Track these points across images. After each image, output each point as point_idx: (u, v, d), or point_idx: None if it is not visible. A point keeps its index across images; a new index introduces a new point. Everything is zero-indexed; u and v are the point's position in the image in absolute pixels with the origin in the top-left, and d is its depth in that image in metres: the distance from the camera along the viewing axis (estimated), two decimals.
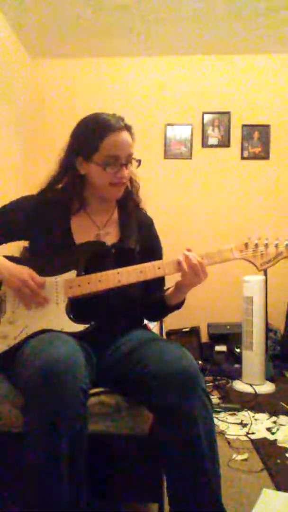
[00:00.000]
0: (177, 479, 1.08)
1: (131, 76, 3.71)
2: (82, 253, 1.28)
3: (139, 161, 1.35)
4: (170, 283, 1.37)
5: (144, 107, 3.68)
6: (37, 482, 0.99)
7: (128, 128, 1.31)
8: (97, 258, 1.28)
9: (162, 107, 3.69)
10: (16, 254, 1.42)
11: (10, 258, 1.31)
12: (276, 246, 1.25)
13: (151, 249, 1.42)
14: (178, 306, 1.37)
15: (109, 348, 1.29)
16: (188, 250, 1.25)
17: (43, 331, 1.19)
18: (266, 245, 1.25)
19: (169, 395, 1.06)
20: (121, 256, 1.32)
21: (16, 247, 1.44)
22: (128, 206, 1.44)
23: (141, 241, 1.39)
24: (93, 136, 1.28)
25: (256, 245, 1.26)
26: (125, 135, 1.29)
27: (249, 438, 1.99)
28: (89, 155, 1.29)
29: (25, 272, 1.23)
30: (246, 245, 1.26)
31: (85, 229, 1.36)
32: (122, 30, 3.30)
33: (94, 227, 1.37)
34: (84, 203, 1.38)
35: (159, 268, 1.25)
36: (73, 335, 1.17)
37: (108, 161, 1.27)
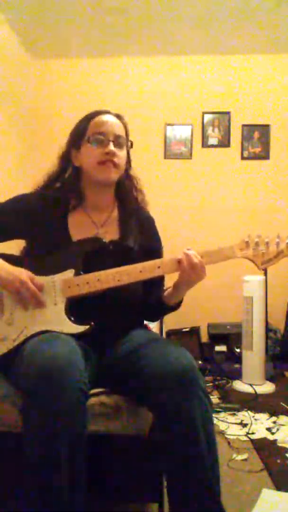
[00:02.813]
0: (176, 479, 1.08)
1: (131, 76, 3.71)
2: (79, 251, 1.27)
3: (131, 143, 1.38)
4: (169, 282, 1.37)
5: (144, 107, 3.68)
6: (37, 482, 0.99)
7: (117, 115, 1.37)
8: (95, 256, 1.27)
9: (162, 107, 3.69)
10: (17, 253, 1.41)
11: (8, 257, 1.30)
12: (277, 244, 1.23)
13: (151, 248, 1.41)
14: (176, 306, 1.37)
15: (109, 348, 1.29)
16: (188, 249, 1.24)
17: (43, 332, 1.18)
18: (267, 244, 1.24)
19: (168, 395, 1.07)
20: (120, 254, 1.32)
21: (16, 247, 1.43)
22: (129, 204, 1.43)
23: (142, 240, 1.38)
24: (82, 123, 1.35)
25: (257, 244, 1.24)
26: (111, 117, 1.35)
27: (249, 438, 1.99)
28: (79, 141, 1.34)
29: (23, 273, 1.23)
30: (246, 243, 1.24)
31: (83, 228, 1.35)
32: (122, 30, 3.30)
33: (93, 225, 1.36)
34: (81, 198, 1.38)
35: (158, 267, 1.23)
36: (73, 335, 1.16)
37: (95, 138, 1.31)
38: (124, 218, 1.40)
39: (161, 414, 1.10)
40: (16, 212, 1.36)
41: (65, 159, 1.38)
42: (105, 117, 1.34)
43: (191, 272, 1.21)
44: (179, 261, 1.22)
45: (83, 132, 1.33)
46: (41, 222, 1.33)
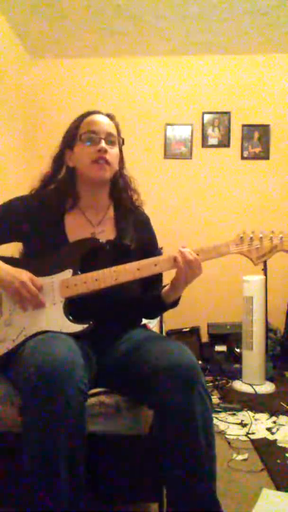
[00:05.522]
0: (174, 475, 1.08)
1: (131, 76, 3.71)
2: (76, 251, 1.27)
3: (123, 140, 1.40)
4: (167, 280, 1.37)
5: (144, 107, 3.68)
6: (37, 482, 0.99)
7: (108, 114, 1.39)
8: (92, 256, 1.27)
9: (162, 107, 3.69)
10: (16, 255, 1.42)
11: (8, 259, 1.30)
12: (271, 239, 1.25)
13: (148, 247, 1.42)
14: (174, 304, 1.37)
15: (108, 347, 1.29)
16: (183, 247, 1.24)
17: (42, 333, 1.18)
18: (261, 239, 1.25)
19: (168, 390, 1.07)
20: (116, 253, 1.32)
21: (16, 248, 1.43)
22: (124, 203, 1.44)
23: (138, 239, 1.39)
24: (74, 124, 1.37)
25: (251, 239, 1.25)
26: (102, 116, 1.38)
27: (249, 438, 1.99)
28: (72, 141, 1.36)
29: (23, 274, 1.23)
30: (241, 239, 1.26)
31: (79, 228, 1.36)
32: (122, 30, 3.30)
33: (89, 225, 1.37)
34: (76, 198, 1.38)
35: (155, 265, 1.24)
36: (72, 335, 1.16)
37: (86, 136, 1.33)
38: (120, 217, 1.41)
39: (162, 411, 1.10)
40: (11, 214, 1.37)
41: (59, 160, 1.40)
42: (96, 117, 1.36)
43: (186, 269, 1.22)
44: (175, 259, 1.22)
45: (75, 132, 1.35)
46: (38, 223, 1.34)
